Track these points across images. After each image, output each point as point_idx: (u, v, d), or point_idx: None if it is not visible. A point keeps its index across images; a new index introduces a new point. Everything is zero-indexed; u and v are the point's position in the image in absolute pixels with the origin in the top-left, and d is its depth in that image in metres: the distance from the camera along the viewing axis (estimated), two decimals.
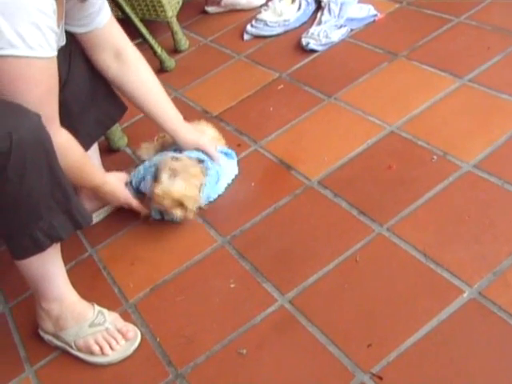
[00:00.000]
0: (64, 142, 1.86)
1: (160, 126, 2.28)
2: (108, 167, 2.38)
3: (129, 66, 2.16)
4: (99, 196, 2.24)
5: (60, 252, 1.85)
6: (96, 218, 2.36)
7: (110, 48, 2.12)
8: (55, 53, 1.72)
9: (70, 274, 1.94)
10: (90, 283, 2.14)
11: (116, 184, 2.23)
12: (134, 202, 2.26)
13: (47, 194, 1.65)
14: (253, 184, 2.30)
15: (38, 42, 1.63)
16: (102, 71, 2.16)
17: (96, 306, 1.93)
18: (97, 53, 2.12)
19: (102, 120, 2.27)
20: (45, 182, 1.62)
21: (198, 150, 2.28)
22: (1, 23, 1.55)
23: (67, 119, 1.95)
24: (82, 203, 1.86)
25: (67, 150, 1.88)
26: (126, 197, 2.25)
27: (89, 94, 2.17)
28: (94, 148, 2.34)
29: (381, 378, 1.57)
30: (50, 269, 1.84)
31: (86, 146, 2.18)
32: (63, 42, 1.96)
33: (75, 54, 2.09)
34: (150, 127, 2.71)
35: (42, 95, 1.72)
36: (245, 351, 1.76)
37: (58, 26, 1.77)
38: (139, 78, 2.21)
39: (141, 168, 2.29)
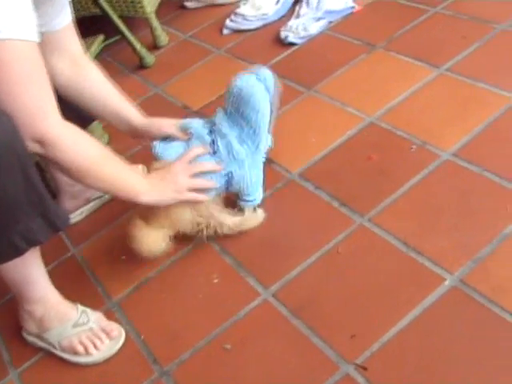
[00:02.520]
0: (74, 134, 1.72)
1: (127, 124, 2.14)
2: None
3: (87, 71, 2.08)
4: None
5: (40, 254, 1.84)
6: (78, 216, 2.36)
7: (66, 53, 2.04)
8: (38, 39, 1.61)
9: (53, 273, 1.94)
10: (74, 283, 2.14)
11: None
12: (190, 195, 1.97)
13: (22, 198, 1.61)
14: None
15: (19, 23, 1.53)
16: (54, 76, 1.94)
17: (79, 305, 1.92)
18: (50, 56, 1.98)
19: (82, 116, 2.24)
20: (19, 186, 1.58)
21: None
22: None
23: None
24: (58, 205, 1.84)
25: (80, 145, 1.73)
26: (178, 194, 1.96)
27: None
28: None
29: (365, 369, 1.58)
30: (31, 271, 1.83)
31: None
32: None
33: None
34: None
35: (27, 82, 1.60)
36: (229, 346, 1.76)
37: None
38: (99, 81, 2.11)
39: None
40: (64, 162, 1.67)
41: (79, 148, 1.70)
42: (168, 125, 2.08)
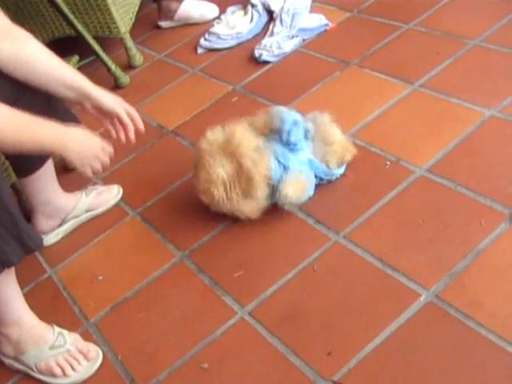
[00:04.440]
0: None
1: (76, 91, 2.04)
2: (65, 187, 2.37)
3: (24, 40, 1.97)
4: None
5: (15, 276, 1.83)
6: (54, 237, 2.35)
7: None
8: None
9: (30, 295, 1.94)
10: (51, 304, 2.12)
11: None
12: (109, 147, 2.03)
13: None
14: None
15: None
16: None
17: (56, 327, 1.91)
18: None
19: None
20: None
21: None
22: None
23: None
24: (31, 227, 1.83)
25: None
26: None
27: (44, 103, 2.09)
28: (50, 163, 2.27)
29: None
30: (6, 294, 1.82)
31: (41, 161, 2.19)
32: None
33: None
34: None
35: None
36: (207, 365, 1.75)
37: None
38: (37, 48, 1.99)
39: None
40: None
41: None
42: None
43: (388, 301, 1.73)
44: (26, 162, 2.15)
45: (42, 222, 2.30)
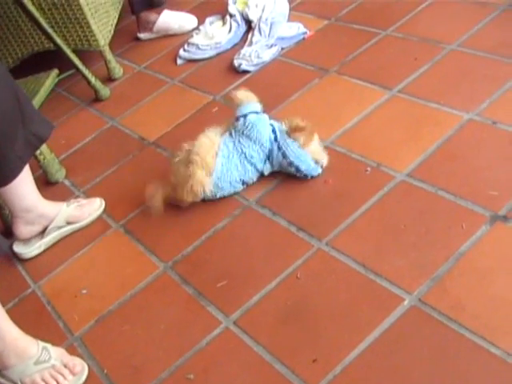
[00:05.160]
0: None
1: None
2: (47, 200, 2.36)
3: None
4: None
5: None
6: (37, 249, 2.35)
7: None
8: None
9: (14, 311, 1.94)
10: (35, 319, 2.12)
11: None
12: None
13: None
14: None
15: None
16: None
17: (40, 342, 1.89)
18: None
19: (30, 140, 2.21)
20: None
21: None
22: None
23: None
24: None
25: None
26: None
27: (14, 117, 2.13)
28: (27, 171, 2.27)
29: None
30: None
31: (18, 169, 2.18)
32: None
33: None
34: (88, 158, 2.72)
35: None
36: (192, 376, 1.75)
37: None
38: None
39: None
40: None
41: None
42: None
43: (372, 306, 1.74)
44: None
45: (22, 228, 2.30)
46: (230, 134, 2.28)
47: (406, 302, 1.71)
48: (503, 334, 1.56)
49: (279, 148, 2.19)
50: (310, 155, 2.18)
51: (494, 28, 2.64)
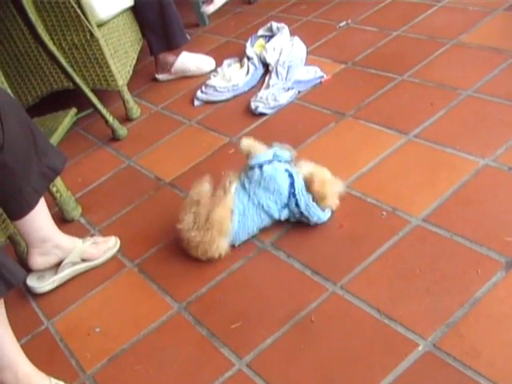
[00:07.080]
0: None
1: None
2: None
3: None
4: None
5: (6, 319, 1.81)
6: (50, 284, 2.35)
7: None
8: None
9: (27, 347, 1.92)
10: (47, 356, 2.12)
11: None
12: None
13: None
14: None
15: None
16: None
17: (53, 379, 1.90)
18: None
19: (45, 173, 2.23)
20: None
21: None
22: None
23: (11, 181, 1.95)
24: (12, 261, 1.83)
25: None
26: None
27: (28, 150, 2.16)
28: (42, 203, 2.28)
29: None
30: None
31: (34, 202, 2.20)
32: None
33: (6, 115, 2.03)
34: (104, 197, 2.73)
35: None
36: None
37: None
38: None
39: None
40: None
41: None
42: None
43: (386, 351, 1.73)
44: (14, 206, 2.19)
45: (37, 258, 2.31)
46: (243, 186, 2.27)
47: (420, 348, 1.70)
48: None
49: (293, 195, 2.19)
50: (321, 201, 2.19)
51: (509, 74, 2.65)
